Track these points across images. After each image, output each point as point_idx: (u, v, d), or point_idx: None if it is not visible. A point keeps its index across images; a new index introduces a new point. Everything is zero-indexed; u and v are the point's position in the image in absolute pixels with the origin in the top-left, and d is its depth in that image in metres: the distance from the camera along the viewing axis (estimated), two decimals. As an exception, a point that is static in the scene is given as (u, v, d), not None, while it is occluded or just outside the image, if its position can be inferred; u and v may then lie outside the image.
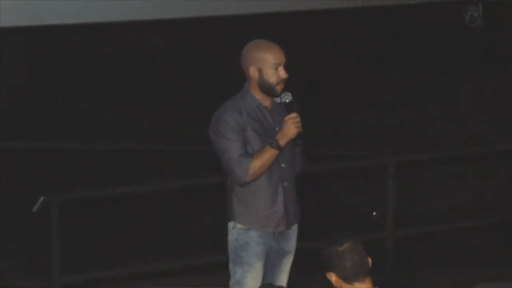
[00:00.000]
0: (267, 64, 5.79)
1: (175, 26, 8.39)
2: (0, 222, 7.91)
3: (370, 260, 5.04)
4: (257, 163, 5.79)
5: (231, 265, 5.97)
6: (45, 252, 6.79)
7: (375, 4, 8.13)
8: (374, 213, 7.98)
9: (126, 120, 8.87)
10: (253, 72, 5.81)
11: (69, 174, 8.20)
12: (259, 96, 5.87)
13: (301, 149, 6.03)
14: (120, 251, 7.77)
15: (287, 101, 5.80)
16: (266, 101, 5.87)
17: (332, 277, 5.05)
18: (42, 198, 6.64)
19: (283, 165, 5.89)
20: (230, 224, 5.95)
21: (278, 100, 5.84)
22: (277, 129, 5.80)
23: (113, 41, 8.66)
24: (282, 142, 5.77)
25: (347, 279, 5.00)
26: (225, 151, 5.80)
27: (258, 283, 5.83)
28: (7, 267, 7.55)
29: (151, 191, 7.57)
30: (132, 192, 7.44)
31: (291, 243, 6.02)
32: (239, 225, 5.93)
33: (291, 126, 5.75)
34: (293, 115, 5.76)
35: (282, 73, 5.78)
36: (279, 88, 5.79)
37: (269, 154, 5.77)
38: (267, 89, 5.82)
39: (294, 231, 6.03)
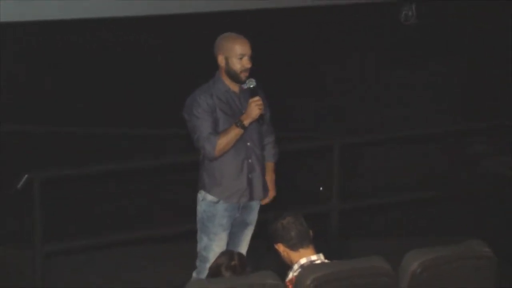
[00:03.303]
0: (233, 54, 5.89)
1: (171, 24, 8.23)
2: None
3: (311, 231, 5.17)
4: (224, 140, 5.87)
5: (198, 233, 6.08)
6: (29, 224, 6.70)
7: (322, 4, 8.15)
8: (321, 188, 8.02)
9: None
10: (221, 60, 5.93)
11: (49, 155, 8.15)
12: (228, 82, 5.97)
13: (273, 141, 6.20)
14: (95, 222, 7.77)
15: (251, 86, 5.92)
16: (234, 87, 5.98)
17: (280, 248, 5.18)
18: (26, 176, 6.60)
19: (248, 143, 6.00)
20: (200, 196, 6.04)
21: (245, 86, 5.94)
22: (243, 111, 5.89)
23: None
24: (246, 122, 5.87)
25: (293, 246, 5.14)
26: (197, 129, 5.90)
27: (222, 250, 5.88)
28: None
29: (124, 168, 7.48)
30: (105, 169, 7.35)
31: (253, 216, 6.15)
32: (208, 198, 6.01)
33: (254, 108, 5.85)
34: (256, 98, 5.87)
35: (246, 62, 5.88)
36: (243, 75, 5.90)
37: (234, 132, 5.88)
38: (233, 76, 5.94)
39: (256, 204, 6.14)
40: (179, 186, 7.13)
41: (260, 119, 5.91)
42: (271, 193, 6.21)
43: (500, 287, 5.28)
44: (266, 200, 6.19)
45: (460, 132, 8.98)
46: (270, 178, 6.20)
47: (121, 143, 8.48)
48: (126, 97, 8.62)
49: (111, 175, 7.66)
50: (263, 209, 6.19)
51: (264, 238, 5.34)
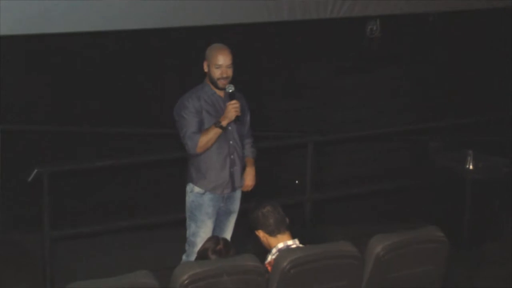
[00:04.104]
0: (213, 63, 5.88)
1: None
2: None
3: (287, 218, 5.18)
4: (204, 139, 5.87)
5: (187, 221, 6.09)
6: (38, 213, 6.70)
7: (298, 19, 8.15)
8: (297, 181, 8.04)
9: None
10: (205, 67, 5.95)
11: (55, 152, 8.10)
12: (213, 87, 5.97)
13: (251, 141, 6.20)
14: (97, 210, 7.76)
15: (230, 91, 5.91)
16: (219, 91, 5.98)
17: (260, 234, 5.20)
18: (36, 170, 6.59)
19: (231, 142, 6.01)
20: (188, 188, 6.05)
21: (226, 91, 5.93)
22: None
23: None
24: (224, 122, 5.87)
25: (271, 233, 5.15)
26: (183, 128, 5.91)
27: (208, 236, 5.88)
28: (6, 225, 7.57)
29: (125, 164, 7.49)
30: (105, 165, 7.33)
31: (236, 205, 6.16)
32: (195, 189, 6.01)
33: (231, 110, 5.85)
34: (233, 101, 5.87)
35: (223, 71, 5.87)
36: (220, 82, 5.90)
37: (213, 132, 5.87)
38: (212, 82, 5.95)
39: (238, 194, 6.15)
40: (171, 179, 7.11)
41: (236, 120, 5.91)
42: (252, 183, 6.19)
43: (449, 267, 5.34)
44: (248, 187, 6.17)
45: (420, 130, 9.01)
46: (250, 170, 6.19)
47: (120, 142, 8.43)
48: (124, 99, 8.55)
49: (110, 169, 7.63)
50: (245, 200, 6.19)
51: (246, 226, 5.36)
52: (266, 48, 8.97)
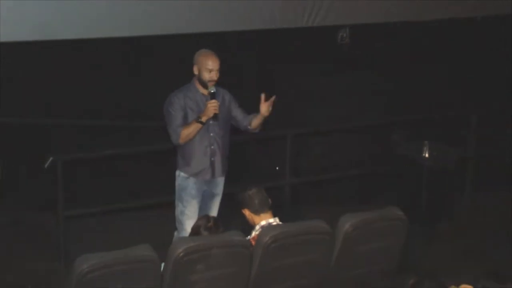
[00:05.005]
0: (204, 67, 5.86)
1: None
2: (20, 177, 7.87)
3: (270, 200, 5.21)
4: (185, 132, 5.86)
5: (176, 201, 6.07)
6: (53, 195, 6.71)
7: (285, 27, 8.13)
8: (277, 168, 8.02)
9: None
10: (196, 70, 5.91)
11: (69, 142, 8.03)
12: (199, 87, 5.95)
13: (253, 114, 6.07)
14: (104, 193, 7.64)
15: (212, 91, 5.88)
16: (204, 91, 5.95)
17: (246, 212, 5.22)
18: (51, 158, 6.60)
19: (211, 134, 5.97)
20: (177, 173, 6.05)
21: (208, 91, 5.90)
22: None
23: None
24: (203, 118, 5.84)
25: (256, 212, 5.18)
26: (169, 122, 5.90)
27: (194, 214, 5.92)
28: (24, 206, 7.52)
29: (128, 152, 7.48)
30: (112, 153, 7.36)
31: (219, 188, 6.12)
32: (181, 174, 6.00)
33: (210, 108, 5.82)
34: (213, 101, 5.83)
35: (213, 75, 5.86)
36: (210, 84, 5.88)
37: (194, 126, 5.86)
38: (202, 84, 5.92)
39: (221, 179, 6.10)
40: (165, 166, 7.09)
41: (214, 117, 5.86)
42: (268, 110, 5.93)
43: (407, 242, 5.36)
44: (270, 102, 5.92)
45: (384, 124, 8.97)
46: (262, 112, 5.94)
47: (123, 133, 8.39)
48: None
49: (116, 157, 7.61)
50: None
51: (234, 206, 5.37)
52: (251, 52, 8.94)
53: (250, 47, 8.90)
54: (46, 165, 6.61)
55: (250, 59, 9.01)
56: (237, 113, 6.10)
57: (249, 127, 6.09)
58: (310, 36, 8.83)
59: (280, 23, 8.11)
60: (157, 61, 8.41)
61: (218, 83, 5.96)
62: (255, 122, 6.06)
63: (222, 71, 5.95)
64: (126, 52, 8.19)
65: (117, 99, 8.34)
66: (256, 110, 6.02)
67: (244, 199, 5.19)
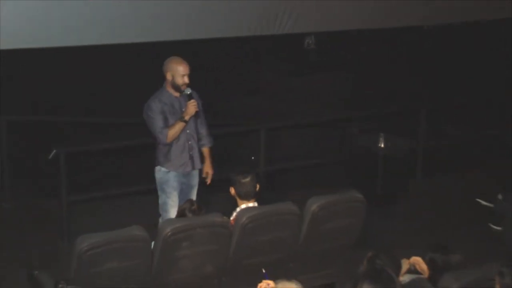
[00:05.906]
0: (178, 73, 5.76)
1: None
2: (28, 166, 7.79)
3: (258, 185, 5.15)
4: (172, 131, 5.77)
5: (159, 192, 5.97)
6: (56, 183, 6.66)
7: (257, 34, 8.10)
8: (253, 157, 7.98)
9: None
10: (169, 76, 5.78)
11: (70, 136, 8.01)
12: (171, 91, 5.83)
13: (206, 129, 6.02)
14: (103, 181, 7.63)
15: (188, 93, 5.80)
16: (176, 94, 5.84)
17: (232, 190, 5.14)
18: (54, 150, 6.54)
19: (188, 131, 5.89)
20: (157, 168, 5.94)
21: (184, 93, 5.81)
22: (183, 109, 5.80)
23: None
24: (187, 117, 5.77)
25: (240, 197, 5.12)
26: (153, 125, 5.79)
27: (176, 203, 5.84)
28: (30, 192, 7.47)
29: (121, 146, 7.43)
30: (109, 146, 7.33)
31: (195, 180, 6.03)
32: (162, 169, 5.89)
33: (191, 108, 5.76)
34: (192, 101, 5.76)
35: (186, 79, 5.75)
36: (183, 87, 5.77)
37: (178, 125, 5.77)
38: (176, 88, 5.80)
39: (197, 172, 6.01)
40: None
41: (196, 115, 5.82)
42: (211, 172, 6.03)
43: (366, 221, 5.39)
44: (208, 180, 6.02)
45: (344, 119, 8.99)
46: (208, 161, 6.04)
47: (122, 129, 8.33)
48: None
49: (113, 150, 7.56)
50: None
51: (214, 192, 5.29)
52: (231, 55, 8.90)
53: (231, 51, 8.85)
54: (50, 157, 6.54)
55: (231, 62, 8.96)
56: (200, 113, 6.05)
57: (199, 141, 6.01)
58: (286, 41, 8.81)
59: (254, 31, 8.08)
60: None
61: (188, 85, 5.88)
62: (203, 152, 6.01)
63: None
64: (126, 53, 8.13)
65: (116, 98, 8.27)
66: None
67: (236, 181, 5.11)
